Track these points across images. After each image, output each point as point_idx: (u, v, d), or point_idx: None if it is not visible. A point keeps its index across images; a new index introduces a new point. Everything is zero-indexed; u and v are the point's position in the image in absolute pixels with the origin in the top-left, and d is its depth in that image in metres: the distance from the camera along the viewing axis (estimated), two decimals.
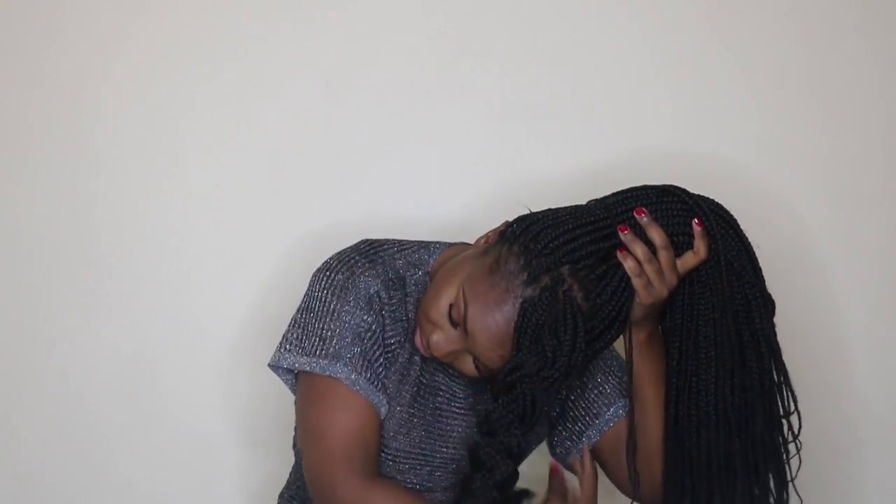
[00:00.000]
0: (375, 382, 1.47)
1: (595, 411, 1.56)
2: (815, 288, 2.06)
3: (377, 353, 1.48)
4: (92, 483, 1.96)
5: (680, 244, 1.41)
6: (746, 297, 1.43)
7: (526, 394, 1.38)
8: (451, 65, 1.95)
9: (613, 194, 1.44)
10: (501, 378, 1.39)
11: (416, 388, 1.52)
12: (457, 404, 1.56)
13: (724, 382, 1.43)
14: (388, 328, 1.48)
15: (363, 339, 1.46)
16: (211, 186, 1.94)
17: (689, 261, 1.41)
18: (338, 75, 1.94)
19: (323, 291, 1.47)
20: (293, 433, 1.63)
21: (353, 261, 1.49)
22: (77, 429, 1.95)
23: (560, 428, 1.59)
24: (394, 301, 1.49)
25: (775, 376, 1.46)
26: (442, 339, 1.42)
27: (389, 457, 1.52)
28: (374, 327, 1.47)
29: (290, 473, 1.68)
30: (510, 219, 1.46)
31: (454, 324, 1.41)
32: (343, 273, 1.47)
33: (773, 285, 1.97)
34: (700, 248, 1.41)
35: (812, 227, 2.04)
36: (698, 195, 1.45)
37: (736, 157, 2.01)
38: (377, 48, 1.94)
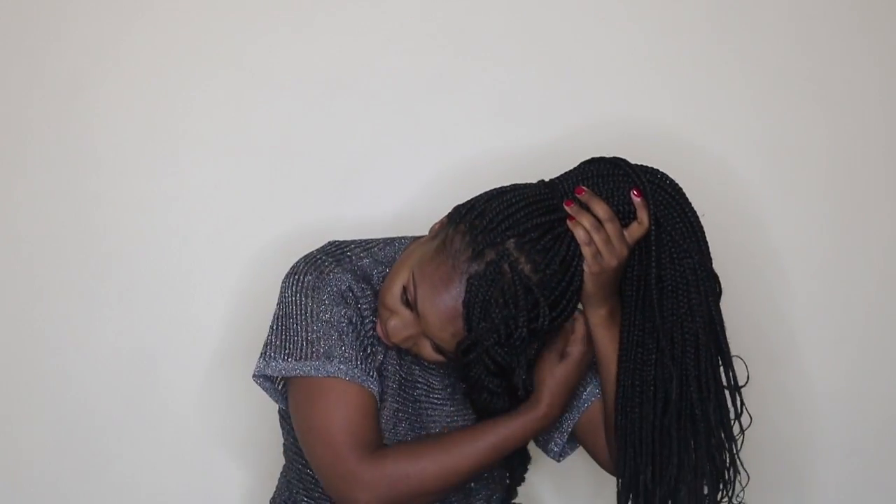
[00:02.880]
0: (370, 371, 1.48)
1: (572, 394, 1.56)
2: (814, 288, 2.07)
3: (363, 342, 1.49)
4: (92, 483, 1.96)
5: (625, 214, 1.43)
6: (685, 269, 1.43)
7: (488, 364, 1.41)
8: (449, 65, 1.95)
9: (560, 175, 1.47)
10: (460, 357, 1.42)
11: (396, 383, 1.54)
12: (435, 395, 1.58)
13: (664, 355, 1.44)
14: (365, 320, 1.50)
15: (347, 332, 1.47)
16: (211, 187, 1.93)
17: (634, 231, 1.43)
18: (337, 75, 1.94)
19: (296, 295, 1.49)
20: (282, 440, 1.65)
21: (320, 261, 1.51)
22: (77, 429, 1.95)
23: None
24: (367, 295, 1.51)
25: (713, 353, 1.47)
26: (399, 324, 1.44)
27: None
28: (353, 319, 1.48)
29: (280, 478, 1.69)
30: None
31: (409, 308, 1.43)
32: (312, 274, 1.49)
33: (773, 286, 2.00)
34: (643, 218, 1.43)
35: (813, 227, 2.05)
36: (641, 166, 1.46)
37: (736, 158, 2.02)
38: (376, 49, 1.94)
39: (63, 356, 1.94)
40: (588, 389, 1.57)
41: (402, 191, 1.95)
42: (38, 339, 1.94)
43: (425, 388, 1.57)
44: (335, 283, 1.48)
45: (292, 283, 1.50)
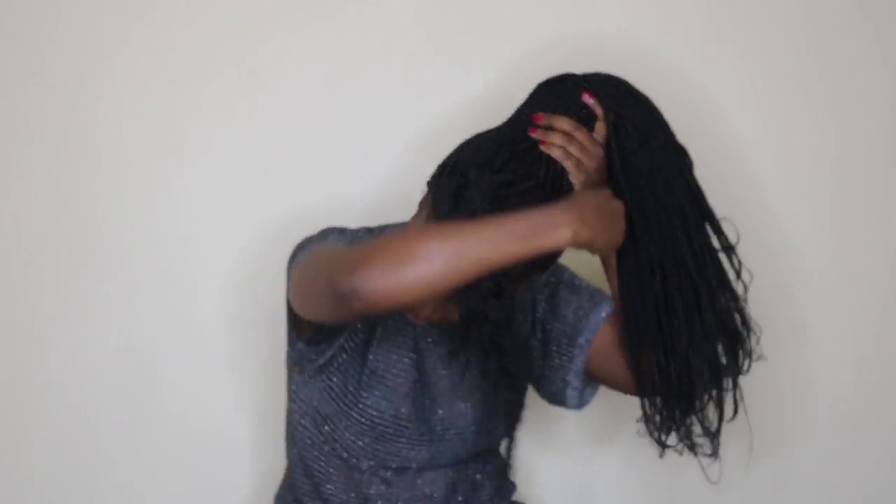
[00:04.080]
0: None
1: (578, 328, 1.57)
2: (815, 287, 2.08)
3: None
4: (92, 482, 1.97)
5: (587, 120, 1.47)
6: (654, 149, 1.47)
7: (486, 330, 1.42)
8: (445, 66, 1.95)
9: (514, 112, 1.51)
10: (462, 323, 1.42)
11: (414, 355, 1.56)
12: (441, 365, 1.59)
13: (653, 234, 1.47)
14: None
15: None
16: (213, 186, 1.93)
17: (600, 130, 1.47)
18: (337, 75, 1.94)
19: (309, 241, 1.53)
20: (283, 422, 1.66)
21: (323, 230, 1.56)
22: (77, 429, 1.95)
23: (554, 360, 1.60)
24: None
25: (700, 220, 1.50)
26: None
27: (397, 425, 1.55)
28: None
29: (286, 470, 1.70)
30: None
31: None
32: (316, 234, 1.55)
33: (774, 286, 2.00)
34: (602, 115, 1.47)
35: (818, 226, 2.06)
36: (586, 73, 1.52)
37: (737, 158, 2.02)
38: (374, 50, 1.95)
39: (63, 356, 1.95)
40: (591, 318, 1.58)
41: (401, 192, 1.95)
42: (39, 339, 1.94)
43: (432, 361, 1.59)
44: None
45: (302, 243, 1.54)
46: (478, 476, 1.67)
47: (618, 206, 1.44)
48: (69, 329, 1.94)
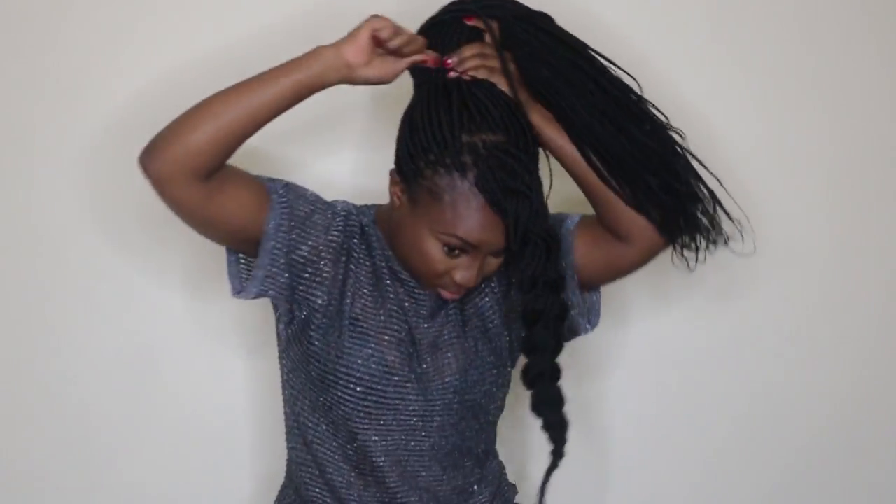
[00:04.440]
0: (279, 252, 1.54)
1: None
2: (815, 288, 2.08)
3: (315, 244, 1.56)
4: (92, 482, 1.96)
5: (477, 33, 1.59)
6: (540, 34, 1.58)
7: (539, 233, 1.49)
8: None
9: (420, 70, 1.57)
10: (516, 241, 1.49)
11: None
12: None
13: (585, 101, 1.57)
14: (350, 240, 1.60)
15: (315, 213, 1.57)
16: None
17: (491, 37, 1.58)
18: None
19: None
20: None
21: None
22: (77, 429, 1.95)
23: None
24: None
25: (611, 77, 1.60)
26: (466, 272, 1.52)
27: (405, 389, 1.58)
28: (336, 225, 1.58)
29: (286, 472, 1.71)
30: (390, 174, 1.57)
31: (459, 254, 1.51)
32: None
33: (773, 286, 2.00)
34: (481, 24, 1.59)
35: (815, 228, 2.06)
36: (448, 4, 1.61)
37: (737, 158, 2.01)
38: None
39: (63, 356, 1.94)
40: (563, 233, 1.62)
41: None
42: (39, 339, 1.94)
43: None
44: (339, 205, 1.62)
45: None
46: (474, 487, 1.68)
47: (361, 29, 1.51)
48: (69, 329, 1.93)
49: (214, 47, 1.87)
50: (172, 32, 1.89)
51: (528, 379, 1.56)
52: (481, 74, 1.54)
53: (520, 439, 1.94)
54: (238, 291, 1.58)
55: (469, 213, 1.47)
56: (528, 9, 1.62)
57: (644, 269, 1.66)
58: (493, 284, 1.65)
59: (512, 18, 1.60)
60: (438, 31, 1.59)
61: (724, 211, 1.64)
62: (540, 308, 1.52)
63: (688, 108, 1.98)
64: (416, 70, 1.57)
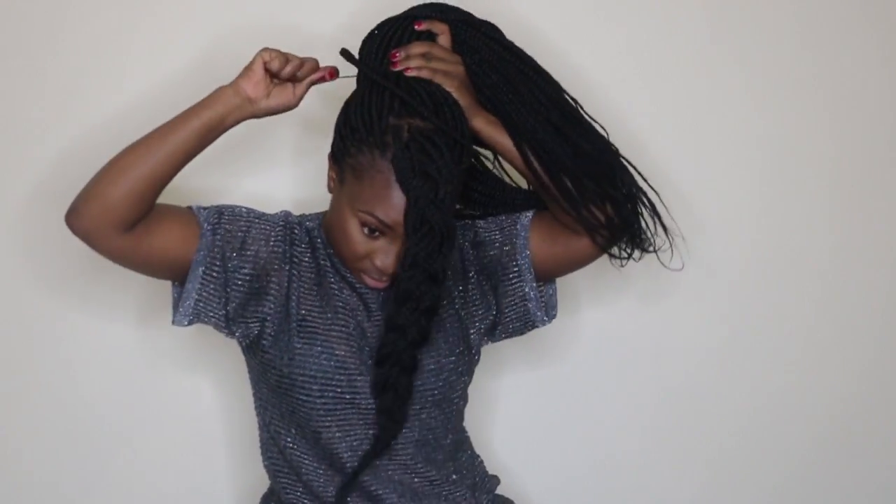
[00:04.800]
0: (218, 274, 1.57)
1: (511, 239, 1.65)
2: (816, 288, 2.06)
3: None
4: (92, 483, 1.98)
5: (429, 36, 1.64)
6: (486, 38, 1.65)
7: (437, 223, 1.49)
8: None
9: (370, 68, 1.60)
10: (411, 220, 1.50)
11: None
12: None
13: (523, 100, 1.63)
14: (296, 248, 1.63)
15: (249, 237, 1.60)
16: (213, 186, 1.92)
17: (444, 41, 1.64)
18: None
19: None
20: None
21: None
22: (77, 429, 1.96)
23: (504, 287, 1.67)
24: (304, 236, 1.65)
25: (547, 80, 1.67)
26: (384, 256, 1.56)
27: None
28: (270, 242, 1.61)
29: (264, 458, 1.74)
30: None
31: (378, 236, 1.54)
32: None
33: (774, 286, 1.99)
34: (435, 27, 1.64)
35: (815, 228, 2.05)
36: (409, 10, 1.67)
37: (736, 158, 2.01)
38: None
39: (63, 356, 1.96)
40: (518, 224, 1.65)
41: None
42: (39, 338, 1.95)
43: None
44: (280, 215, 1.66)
45: None
46: (452, 477, 1.70)
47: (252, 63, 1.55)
48: (69, 329, 1.95)
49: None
50: (173, 43, 1.91)
51: (378, 356, 1.56)
52: (424, 75, 1.58)
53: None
54: (174, 320, 1.61)
55: (385, 193, 1.50)
56: (475, 17, 1.67)
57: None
58: None
59: (462, 24, 1.66)
60: (389, 29, 1.64)
61: (661, 222, 1.67)
62: (412, 290, 1.52)
63: (687, 108, 1.99)
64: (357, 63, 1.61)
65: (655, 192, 1.67)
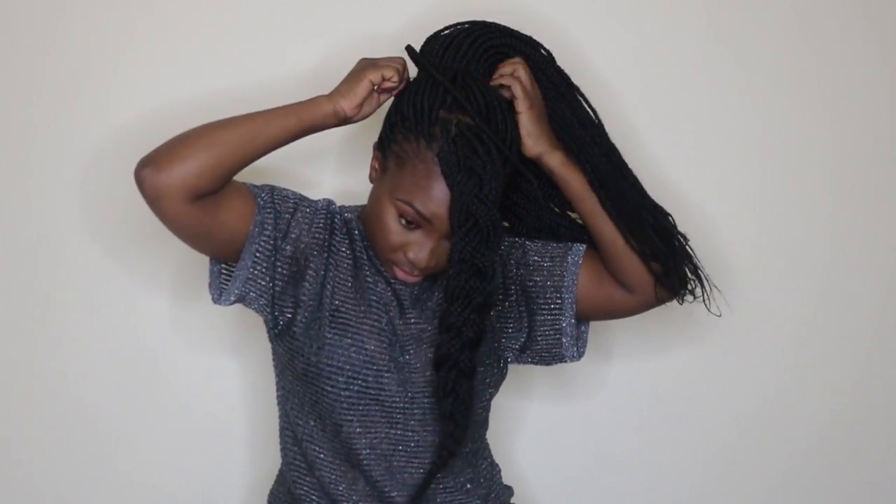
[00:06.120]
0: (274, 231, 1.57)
1: (560, 272, 1.63)
2: (816, 288, 2.08)
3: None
4: (92, 483, 1.98)
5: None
6: (552, 72, 1.65)
7: (482, 218, 1.49)
8: None
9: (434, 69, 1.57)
10: (456, 214, 1.49)
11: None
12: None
13: (592, 152, 1.63)
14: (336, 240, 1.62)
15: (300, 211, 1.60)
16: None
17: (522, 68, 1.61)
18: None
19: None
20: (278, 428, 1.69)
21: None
22: (77, 429, 1.96)
23: (542, 315, 1.65)
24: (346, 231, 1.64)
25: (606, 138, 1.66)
26: (418, 249, 1.54)
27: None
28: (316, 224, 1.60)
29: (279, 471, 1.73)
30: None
31: (414, 227, 1.53)
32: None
33: (773, 286, 2.00)
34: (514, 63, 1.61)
35: (816, 228, 2.06)
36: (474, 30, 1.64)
37: (736, 159, 2.02)
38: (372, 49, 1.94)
39: (63, 356, 1.95)
40: (569, 259, 1.64)
41: None
42: (39, 339, 1.95)
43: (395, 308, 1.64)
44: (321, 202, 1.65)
45: None
46: (467, 486, 1.69)
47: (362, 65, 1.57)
48: (69, 329, 1.95)
49: (214, 59, 1.89)
50: (173, 43, 1.91)
51: (435, 359, 1.54)
52: (517, 93, 1.57)
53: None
54: (217, 298, 1.60)
55: (425, 183, 1.50)
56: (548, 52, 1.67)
57: None
58: None
59: (545, 60, 1.65)
60: (461, 39, 1.62)
61: (703, 276, 1.67)
62: (461, 286, 1.51)
63: (687, 108, 2.00)
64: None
65: (685, 237, 1.67)
